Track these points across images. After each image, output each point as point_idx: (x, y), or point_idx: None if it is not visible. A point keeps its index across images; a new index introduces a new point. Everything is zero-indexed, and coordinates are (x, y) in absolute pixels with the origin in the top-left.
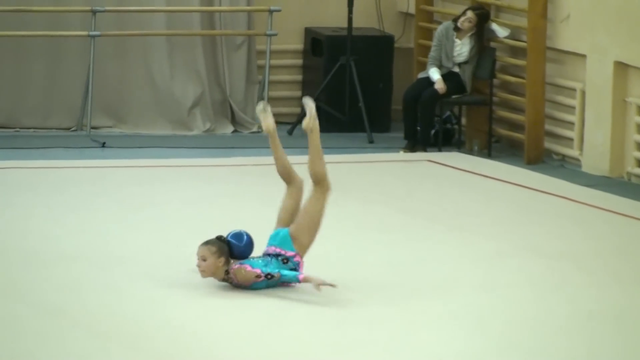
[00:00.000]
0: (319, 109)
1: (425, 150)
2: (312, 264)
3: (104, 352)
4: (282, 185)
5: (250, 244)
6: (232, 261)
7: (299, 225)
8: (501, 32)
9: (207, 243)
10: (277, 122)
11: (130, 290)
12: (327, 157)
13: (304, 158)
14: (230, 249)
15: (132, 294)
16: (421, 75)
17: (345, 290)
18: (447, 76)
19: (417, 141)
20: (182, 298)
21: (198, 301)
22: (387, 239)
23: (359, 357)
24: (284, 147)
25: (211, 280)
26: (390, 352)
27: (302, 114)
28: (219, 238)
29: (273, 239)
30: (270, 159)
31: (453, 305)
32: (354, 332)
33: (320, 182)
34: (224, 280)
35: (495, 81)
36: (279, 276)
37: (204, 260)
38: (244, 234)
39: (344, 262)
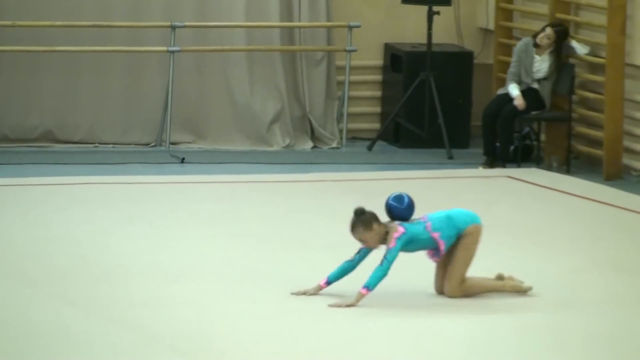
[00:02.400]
0: (398, 125)
1: (504, 166)
2: (392, 276)
3: None
4: (360, 201)
5: (411, 206)
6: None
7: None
8: (581, 49)
9: (352, 228)
10: (356, 138)
11: (209, 305)
12: (406, 173)
13: (383, 174)
14: (391, 212)
15: (211, 310)
16: (500, 91)
17: (419, 305)
18: (526, 92)
19: (496, 157)
20: (261, 314)
21: (278, 318)
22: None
23: None
24: (363, 164)
25: (290, 297)
26: None
27: (382, 130)
28: (356, 213)
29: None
30: (349, 175)
31: (532, 320)
32: (432, 347)
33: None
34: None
35: (574, 97)
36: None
37: (365, 241)
38: (405, 196)
39: (422, 276)
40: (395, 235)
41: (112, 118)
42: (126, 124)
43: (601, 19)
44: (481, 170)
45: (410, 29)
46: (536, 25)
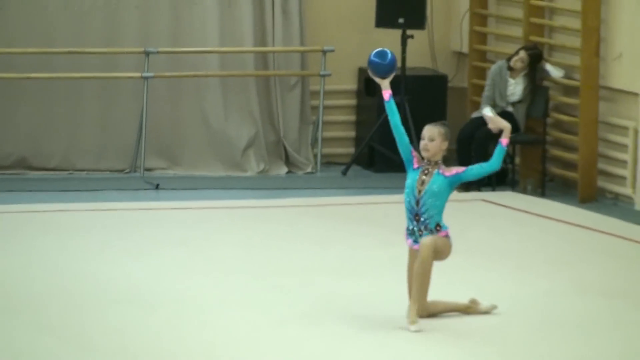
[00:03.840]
0: (372, 149)
1: (479, 190)
2: (365, 301)
3: None
4: (334, 226)
5: (393, 62)
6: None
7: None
8: (555, 72)
9: (437, 124)
10: (331, 163)
11: (185, 332)
12: (381, 198)
13: (358, 199)
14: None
15: (186, 337)
16: (475, 114)
17: (399, 329)
18: (501, 115)
19: (471, 181)
20: (237, 341)
21: (254, 345)
22: (441, 279)
23: None
24: (337, 188)
25: (265, 324)
26: None
27: (357, 154)
28: (444, 124)
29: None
30: (324, 200)
31: (507, 343)
32: None
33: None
34: (430, 165)
35: (549, 120)
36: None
37: (432, 140)
38: (388, 51)
39: (398, 302)
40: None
41: (86, 145)
42: (100, 151)
43: (575, 42)
44: (456, 194)
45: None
46: (510, 48)
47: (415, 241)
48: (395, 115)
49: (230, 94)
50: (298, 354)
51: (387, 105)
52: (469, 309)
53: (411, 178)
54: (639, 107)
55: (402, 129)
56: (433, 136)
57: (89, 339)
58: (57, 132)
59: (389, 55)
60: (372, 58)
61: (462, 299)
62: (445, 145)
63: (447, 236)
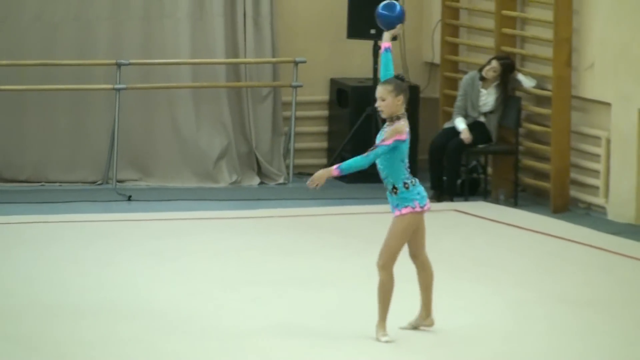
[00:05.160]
0: (345, 160)
1: (451, 200)
2: (338, 312)
3: None
4: (306, 237)
5: (402, 14)
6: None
7: None
8: (527, 82)
9: (384, 82)
10: (303, 174)
11: (157, 343)
12: (354, 208)
13: (331, 209)
14: (379, 18)
15: (158, 348)
16: (447, 125)
17: (371, 339)
18: (473, 126)
19: (444, 191)
20: (209, 352)
21: (226, 356)
22: (414, 288)
23: None
24: (309, 199)
25: (238, 334)
26: None
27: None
28: (397, 76)
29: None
30: (296, 211)
31: (480, 354)
32: None
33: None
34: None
35: (521, 130)
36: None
37: (383, 100)
38: (396, 4)
39: (371, 312)
40: (398, 136)
41: (58, 156)
42: (72, 162)
43: (547, 52)
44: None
45: (356, 64)
46: (482, 59)
47: (392, 205)
48: (384, 67)
49: (202, 106)
50: None
51: (382, 56)
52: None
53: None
54: (611, 117)
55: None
56: (383, 96)
57: (60, 349)
58: (29, 144)
59: (397, 8)
60: (380, 11)
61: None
62: (399, 99)
63: (403, 214)
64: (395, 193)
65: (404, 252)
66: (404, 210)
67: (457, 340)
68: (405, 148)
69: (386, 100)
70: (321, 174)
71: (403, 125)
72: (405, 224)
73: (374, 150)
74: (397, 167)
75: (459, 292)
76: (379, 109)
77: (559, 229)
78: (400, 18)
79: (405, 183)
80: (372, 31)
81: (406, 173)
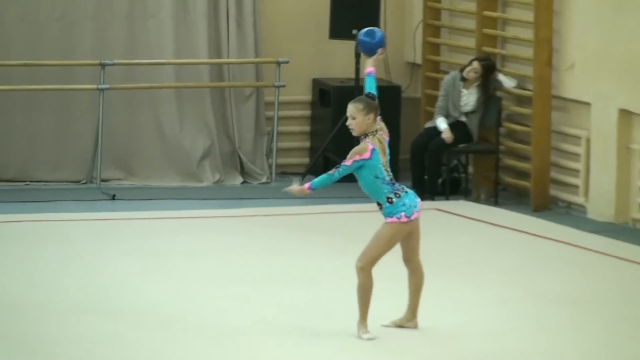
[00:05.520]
0: (327, 159)
1: (433, 199)
2: (321, 309)
3: None
4: (290, 236)
5: (382, 40)
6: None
7: None
8: (508, 82)
9: (355, 101)
10: (286, 173)
11: (139, 341)
12: (336, 207)
13: (313, 208)
14: (361, 45)
15: (141, 345)
16: (428, 124)
17: (353, 337)
18: (454, 125)
19: (425, 190)
20: (195, 349)
21: (211, 354)
22: (396, 288)
23: None
24: (292, 198)
25: (222, 332)
26: None
27: (311, 164)
28: (368, 95)
29: None
30: (279, 210)
31: (464, 351)
32: None
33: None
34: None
35: (502, 130)
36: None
37: (353, 118)
38: (377, 30)
39: (352, 311)
40: (357, 157)
41: (43, 156)
42: (57, 162)
43: (528, 52)
44: None
45: (338, 64)
46: (463, 59)
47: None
48: (367, 90)
49: (186, 106)
50: None
51: (365, 79)
52: (411, 321)
53: None
54: (591, 117)
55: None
56: (353, 114)
57: (44, 347)
58: (13, 144)
59: (378, 34)
60: (361, 37)
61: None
62: (370, 117)
63: (389, 223)
64: (381, 208)
65: (395, 254)
66: (389, 220)
67: (441, 337)
68: (376, 164)
69: (357, 118)
70: (296, 190)
71: (365, 145)
72: (392, 234)
73: (337, 169)
74: (374, 184)
75: (442, 291)
76: (350, 127)
77: (540, 228)
78: (380, 43)
79: (388, 198)
80: (354, 31)
81: (388, 187)
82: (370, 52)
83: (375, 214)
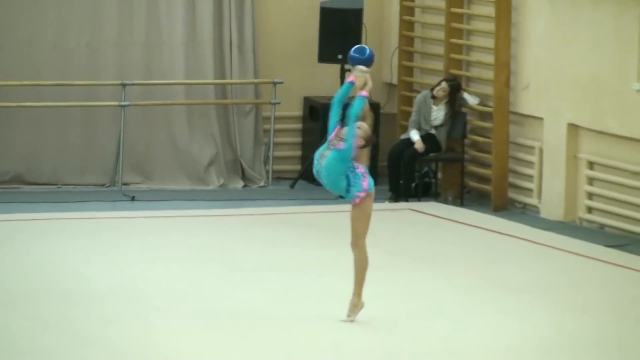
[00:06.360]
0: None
1: (407, 201)
2: (311, 295)
3: None
4: (284, 232)
5: (371, 56)
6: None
7: None
8: (472, 100)
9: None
10: (281, 178)
11: (153, 321)
12: (325, 207)
13: (304, 208)
14: (352, 61)
15: (154, 325)
16: (403, 136)
17: (337, 320)
18: (425, 137)
19: (400, 193)
20: (202, 328)
21: (217, 331)
22: (375, 275)
23: None
24: (286, 199)
25: (222, 313)
26: None
27: (303, 170)
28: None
29: None
30: (275, 209)
31: (433, 331)
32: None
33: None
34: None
35: (466, 141)
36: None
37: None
38: (367, 48)
39: (338, 298)
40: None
41: (72, 163)
42: (84, 168)
43: (489, 74)
44: (387, 204)
45: (326, 84)
46: (433, 80)
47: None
48: (340, 94)
49: (195, 119)
50: (249, 342)
51: (343, 86)
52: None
53: None
54: (544, 130)
55: (337, 108)
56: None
57: (74, 327)
58: (47, 153)
59: (367, 51)
60: (352, 54)
61: (390, 293)
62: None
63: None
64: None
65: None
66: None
67: (414, 320)
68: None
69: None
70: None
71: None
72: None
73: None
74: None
75: (414, 280)
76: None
77: (499, 225)
78: (370, 59)
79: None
80: (340, 56)
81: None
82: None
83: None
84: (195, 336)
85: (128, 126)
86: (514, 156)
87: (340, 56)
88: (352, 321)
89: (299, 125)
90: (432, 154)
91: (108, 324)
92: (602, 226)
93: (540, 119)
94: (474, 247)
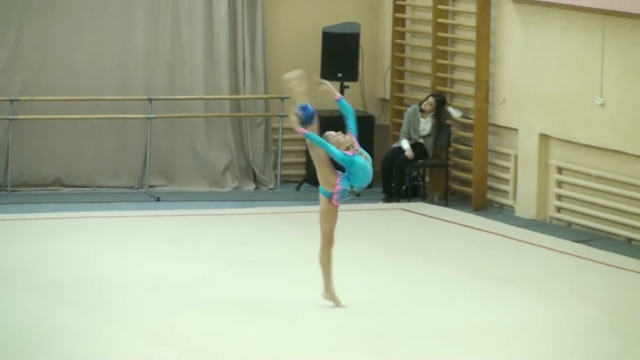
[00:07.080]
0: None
1: (398, 201)
2: (315, 285)
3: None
4: (291, 229)
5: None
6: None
7: None
8: (455, 113)
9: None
10: (288, 181)
11: (170, 307)
12: None
13: (308, 208)
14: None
15: (177, 310)
16: (395, 145)
17: (328, 306)
18: (414, 146)
19: (393, 194)
20: (213, 313)
21: (225, 316)
22: (369, 267)
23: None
24: (293, 200)
25: (237, 300)
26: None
27: (307, 175)
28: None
29: None
30: (282, 209)
31: (417, 315)
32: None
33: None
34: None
35: (451, 149)
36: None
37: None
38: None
39: (337, 287)
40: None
41: (105, 168)
42: (115, 172)
43: (470, 90)
44: (381, 204)
45: (327, 99)
46: (421, 96)
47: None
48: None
49: (212, 130)
50: (260, 323)
51: (338, 104)
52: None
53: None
54: (518, 139)
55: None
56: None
57: (106, 311)
58: (83, 159)
59: (309, 109)
60: (297, 110)
61: (382, 282)
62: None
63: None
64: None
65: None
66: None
67: (398, 305)
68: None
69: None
70: (293, 121)
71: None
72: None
73: (333, 147)
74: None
75: (405, 270)
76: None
77: (479, 223)
78: (311, 116)
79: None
80: (340, 74)
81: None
82: (308, 121)
83: (356, 212)
84: (214, 318)
85: (154, 136)
86: (492, 162)
87: (340, 74)
88: (337, 305)
89: None
90: (420, 161)
91: (137, 308)
92: (570, 224)
93: (515, 129)
94: (457, 242)
